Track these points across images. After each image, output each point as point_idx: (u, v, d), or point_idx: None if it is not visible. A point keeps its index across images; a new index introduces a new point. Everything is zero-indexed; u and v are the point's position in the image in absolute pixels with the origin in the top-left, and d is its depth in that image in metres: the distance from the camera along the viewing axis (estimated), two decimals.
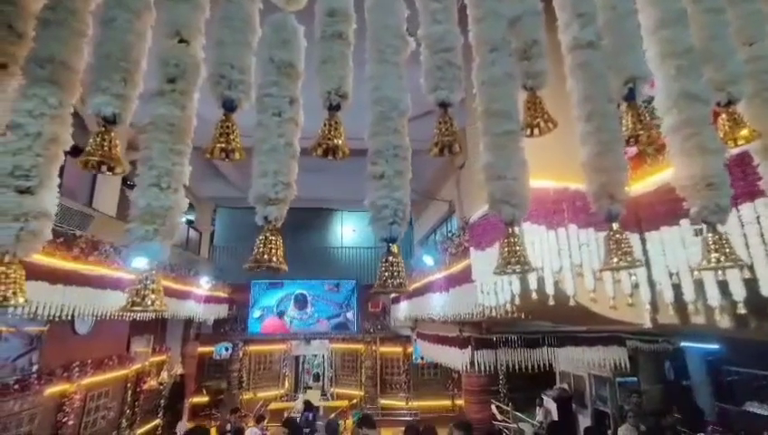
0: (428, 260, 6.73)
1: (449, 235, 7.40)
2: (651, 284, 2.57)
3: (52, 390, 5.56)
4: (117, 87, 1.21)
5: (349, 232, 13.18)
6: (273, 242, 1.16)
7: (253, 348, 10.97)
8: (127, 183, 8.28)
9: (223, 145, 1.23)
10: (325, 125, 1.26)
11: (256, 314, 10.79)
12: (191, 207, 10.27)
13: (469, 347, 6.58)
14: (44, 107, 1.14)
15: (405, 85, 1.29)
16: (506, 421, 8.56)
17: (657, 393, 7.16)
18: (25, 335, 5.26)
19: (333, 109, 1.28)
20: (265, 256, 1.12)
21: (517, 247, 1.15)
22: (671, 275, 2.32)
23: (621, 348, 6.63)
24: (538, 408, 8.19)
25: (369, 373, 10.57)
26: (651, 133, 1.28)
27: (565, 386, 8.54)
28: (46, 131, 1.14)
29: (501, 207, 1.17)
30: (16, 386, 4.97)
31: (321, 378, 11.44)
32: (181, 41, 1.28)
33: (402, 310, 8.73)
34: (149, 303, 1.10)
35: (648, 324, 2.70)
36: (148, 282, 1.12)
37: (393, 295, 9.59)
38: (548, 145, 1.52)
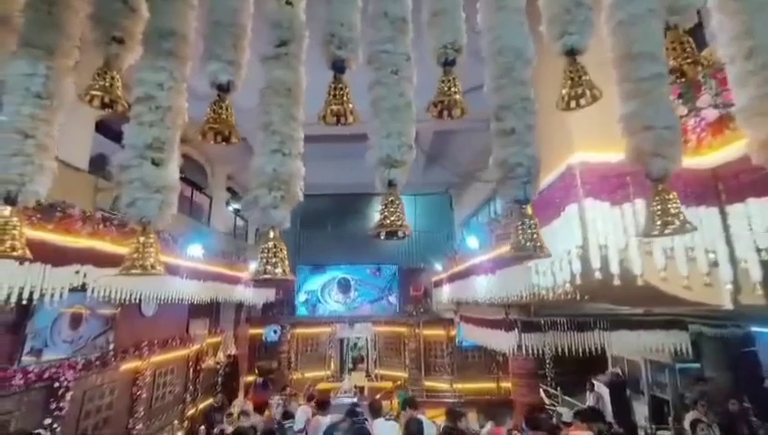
0: (473, 242, 6.58)
1: (495, 216, 7.17)
2: (733, 262, 2.35)
3: (127, 366, 6.06)
4: (229, 53, 1.19)
5: None
6: (398, 205, 1.10)
7: (299, 331, 11.38)
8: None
9: (337, 107, 1.18)
10: (443, 82, 1.18)
11: (302, 297, 11.14)
12: (237, 195, 10.61)
13: (516, 330, 6.44)
14: (172, 80, 1.14)
15: (528, 32, 1.17)
16: (554, 405, 8.39)
17: (724, 381, 6.70)
18: (102, 317, 5.71)
19: (449, 64, 1.19)
20: (395, 221, 1.06)
21: (671, 205, 1.02)
22: (759, 251, 2.12)
23: (683, 332, 6.22)
24: (588, 392, 7.94)
25: (412, 356, 10.65)
26: None
27: (618, 371, 8.19)
28: (175, 105, 1.14)
29: (651, 160, 1.04)
30: (97, 362, 5.47)
31: (366, 360, 11.70)
32: (287, 2, 1.23)
33: (445, 293, 8.65)
34: (280, 271, 1.09)
35: (728, 306, 2.48)
36: (277, 250, 1.10)
37: (435, 278, 9.53)
38: (602, 114, 1.31)
